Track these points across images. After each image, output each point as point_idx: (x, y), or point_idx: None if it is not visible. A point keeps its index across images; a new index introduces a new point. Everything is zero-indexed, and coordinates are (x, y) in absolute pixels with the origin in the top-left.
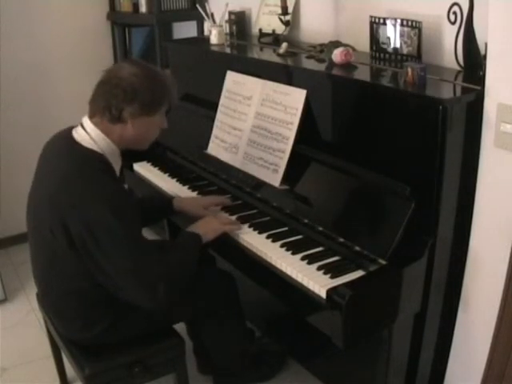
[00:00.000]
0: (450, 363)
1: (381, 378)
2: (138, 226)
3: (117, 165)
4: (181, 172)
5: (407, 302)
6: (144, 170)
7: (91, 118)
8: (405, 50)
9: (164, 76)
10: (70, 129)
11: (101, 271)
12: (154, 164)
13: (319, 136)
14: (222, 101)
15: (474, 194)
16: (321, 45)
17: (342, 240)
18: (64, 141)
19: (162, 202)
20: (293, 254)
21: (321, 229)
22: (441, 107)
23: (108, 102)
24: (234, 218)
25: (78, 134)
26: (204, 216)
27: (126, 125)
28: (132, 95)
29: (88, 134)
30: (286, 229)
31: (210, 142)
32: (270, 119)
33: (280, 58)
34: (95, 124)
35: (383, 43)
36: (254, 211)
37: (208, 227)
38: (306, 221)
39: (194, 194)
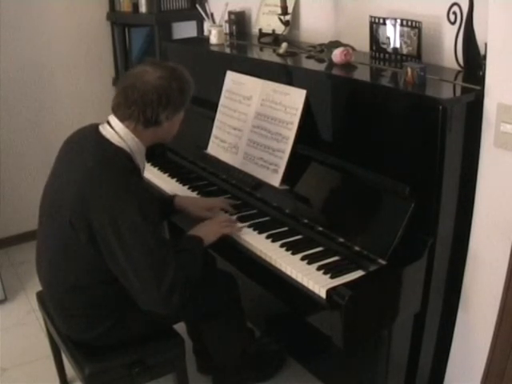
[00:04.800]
0: (450, 363)
1: (381, 378)
2: (159, 225)
3: (142, 163)
4: (181, 172)
5: (407, 302)
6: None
7: (122, 121)
8: (405, 50)
9: (183, 70)
10: (96, 125)
11: (119, 270)
12: (154, 164)
13: (319, 136)
14: (222, 101)
15: (474, 193)
16: (321, 45)
17: (341, 240)
18: (91, 136)
19: (164, 200)
20: (293, 254)
21: (321, 229)
22: (441, 107)
23: (143, 108)
24: (234, 218)
25: (107, 132)
26: (204, 218)
27: (161, 127)
28: (166, 99)
29: (116, 132)
30: (285, 229)
31: (210, 142)
32: (269, 119)
33: (280, 57)
34: (126, 126)
35: (383, 43)
36: (254, 211)
37: (208, 230)
38: (305, 221)
39: (194, 194)
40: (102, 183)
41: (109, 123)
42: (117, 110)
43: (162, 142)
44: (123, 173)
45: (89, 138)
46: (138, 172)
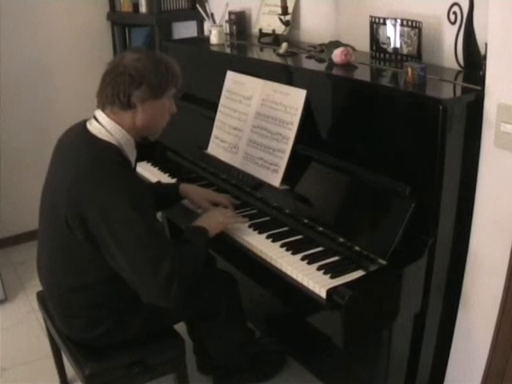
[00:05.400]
0: (450, 363)
1: (381, 378)
2: (154, 219)
3: (132, 156)
4: (181, 172)
5: (407, 302)
6: (144, 169)
7: (103, 109)
8: (405, 50)
9: (167, 58)
10: (84, 122)
11: (117, 265)
12: (154, 164)
13: (319, 136)
14: (222, 101)
15: (474, 194)
16: (321, 45)
17: (342, 240)
18: (80, 135)
19: (169, 186)
20: (293, 253)
21: (321, 229)
22: (441, 107)
23: (115, 89)
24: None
25: (93, 127)
26: (204, 208)
27: (136, 110)
28: (138, 79)
29: (103, 126)
30: (286, 229)
31: (210, 141)
32: (270, 119)
33: (280, 57)
34: (108, 115)
35: (383, 43)
36: (254, 211)
37: (213, 221)
38: (305, 221)
39: None
40: (94, 181)
41: (95, 118)
42: (99, 100)
43: (149, 133)
44: (115, 168)
45: (78, 137)
46: (128, 165)
